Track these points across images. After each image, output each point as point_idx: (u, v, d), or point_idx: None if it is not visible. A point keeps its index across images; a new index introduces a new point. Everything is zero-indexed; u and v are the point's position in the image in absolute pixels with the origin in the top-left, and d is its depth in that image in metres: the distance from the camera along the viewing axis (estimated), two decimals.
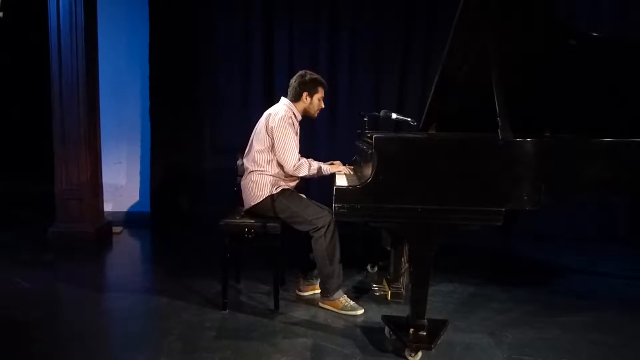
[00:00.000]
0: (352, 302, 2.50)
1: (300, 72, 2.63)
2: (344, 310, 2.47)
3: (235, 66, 4.05)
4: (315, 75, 2.62)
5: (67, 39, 3.41)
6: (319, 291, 2.62)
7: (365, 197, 1.94)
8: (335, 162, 2.73)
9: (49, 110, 3.52)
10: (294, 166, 2.48)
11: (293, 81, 2.62)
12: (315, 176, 2.59)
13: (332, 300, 2.48)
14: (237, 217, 2.54)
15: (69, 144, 3.50)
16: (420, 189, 1.94)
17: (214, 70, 4.06)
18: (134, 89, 4.20)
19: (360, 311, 2.48)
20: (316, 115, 2.70)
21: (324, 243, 2.42)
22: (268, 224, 2.47)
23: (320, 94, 2.62)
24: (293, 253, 2.72)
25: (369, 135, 2.42)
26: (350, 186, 2.00)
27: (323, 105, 2.67)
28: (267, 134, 2.52)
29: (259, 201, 2.52)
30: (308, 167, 2.51)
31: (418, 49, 3.92)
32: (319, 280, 2.67)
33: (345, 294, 2.51)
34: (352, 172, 2.72)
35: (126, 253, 3.58)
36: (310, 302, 2.59)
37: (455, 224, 1.96)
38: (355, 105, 3.91)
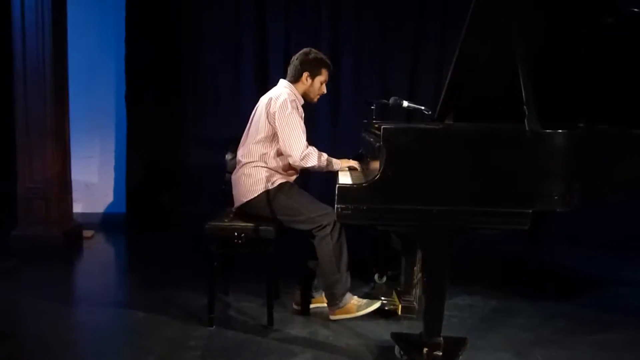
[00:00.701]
0: (364, 300, 2.51)
1: (304, 49, 2.63)
2: (360, 310, 2.48)
3: (225, 48, 4.03)
4: (321, 55, 2.62)
5: (32, 16, 3.37)
6: (322, 305, 2.63)
7: (372, 197, 1.92)
8: (351, 162, 2.65)
9: (10, 97, 3.47)
10: (302, 154, 2.45)
11: (295, 59, 2.62)
12: (323, 169, 2.55)
13: (344, 307, 2.47)
14: (226, 220, 2.53)
15: (33, 135, 3.46)
16: (436, 187, 1.92)
17: (200, 52, 4.04)
18: (108, 73, 4.17)
19: (378, 303, 2.52)
20: (316, 100, 2.69)
21: (330, 242, 2.41)
22: (261, 227, 2.46)
23: (323, 76, 2.61)
24: (290, 261, 2.71)
25: (376, 125, 2.42)
26: (355, 184, 1.99)
27: (325, 91, 2.67)
28: (268, 121, 2.50)
29: (252, 197, 2.51)
30: (318, 157, 2.48)
31: (432, 27, 3.89)
32: (320, 292, 2.65)
33: None
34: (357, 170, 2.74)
35: (98, 260, 3.57)
36: (310, 317, 2.57)
37: (476, 228, 1.95)
38: (361, 92, 3.91)
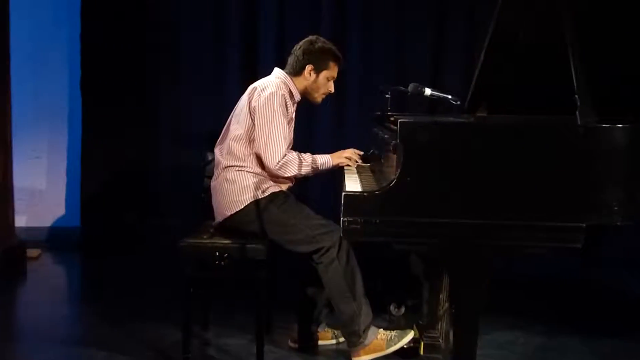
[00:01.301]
0: (393, 332, 2.52)
1: (310, 37, 2.64)
2: (392, 346, 2.48)
3: (203, 26, 4.02)
4: (330, 45, 2.63)
5: None
6: (329, 342, 2.63)
7: (387, 208, 1.92)
8: (345, 152, 2.67)
9: None
10: (278, 163, 2.48)
11: (297, 48, 2.64)
12: (311, 174, 2.59)
13: (370, 345, 2.45)
14: (205, 236, 2.54)
15: None
16: (467, 195, 1.92)
17: (174, 31, 4.03)
18: (59, 55, 4.17)
19: (411, 333, 2.55)
20: (320, 100, 2.70)
21: (338, 268, 2.41)
22: (248, 246, 2.45)
23: (331, 71, 2.61)
24: (284, 287, 2.70)
25: (392, 119, 2.41)
26: (365, 192, 1.99)
27: (332, 89, 2.67)
28: (250, 114, 2.53)
29: (237, 210, 2.52)
30: (298, 164, 2.51)
31: None
32: (325, 326, 2.65)
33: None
34: (367, 169, 2.71)
35: (46, 286, 3.55)
36: (312, 356, 2.57)
37: (517, 246, 1.94)
38: (372, 78, 3.91)
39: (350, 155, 2.67)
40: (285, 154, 2.52)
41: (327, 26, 3.90)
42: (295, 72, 2.62)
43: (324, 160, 2.62)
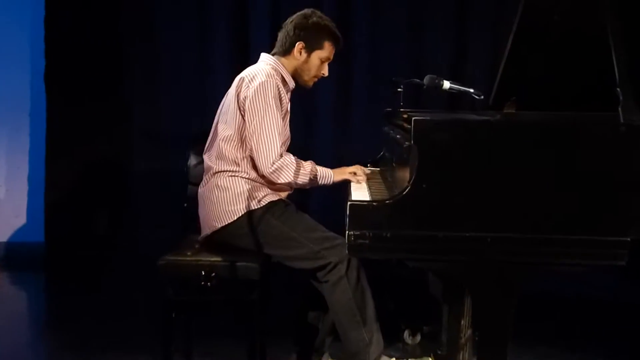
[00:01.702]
0: None
1: (304, 10, 2.63)
2: None
3: (188, 10, 4.01)
4: (326, 21, 2.62)
5: None
6: None
7: (399, 220, 1.92)
8: (350, 168, 2.67)
9: None
10: (272, 164, 2.47)
11: (288, 22, 2.63)
12: (307, 185, 2.58)
13: None
14: (189, 253, 2.54)
15: None
16: (492, 205, 1.92)
17: (154, 14, 4.02)
18: (21, 45, 4.16)
19: None
20: (311, 84, 2.70)
21: (347, 289, 2.40)
22: (240, 264, 2.45)
23: (325, 52, 2.61)
24: (281, 311, 2.69)
25: (405, 116, 2.41)
26: (374, 201, 2.00)
27: (326, 72, 2.67)
28: (239, 109, 2.53)
29: (228, 221, 2.52)
30: (295, 170, 2.50)
31: None
32: (328, 357, 2.65)
33: None
34: (376, 174, 2.71)
35: (3, 311, 3.54)
36: None
37: (549, 264, 1.94)
38: (383, 68, 3.92)
39: (355, 172, 2.65)
40: (281, 155, 2.50)
41: (331, 4, 3.89)
42: (285, 51, 2.61)
43: (325, 173, 2.60)
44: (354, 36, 4.01)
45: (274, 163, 2.48)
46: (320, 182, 2.61)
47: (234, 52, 4.04)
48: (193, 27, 4.10)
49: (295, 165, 2.53)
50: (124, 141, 4.16)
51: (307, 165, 2.57)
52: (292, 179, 2.51)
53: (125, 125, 4.16)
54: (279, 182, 2.54)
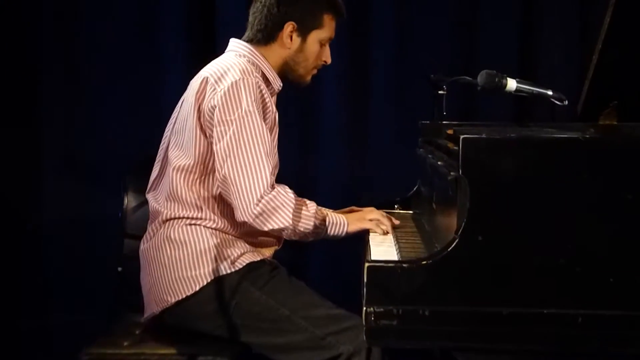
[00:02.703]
0: None
1: None
2: None
3: None
4: None
5: None
6: None
7: (443, 290, 1.86)
8: (371, 212, 2.63)
9: None
10: (258, 202, 2.33)
11: None
12: (311, 236, 2.47)
13: None
14: (126, 342, 2.49)
15: None
16: (583, 267, 1.85)
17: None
18: None
19: None
20: (309, 79, 2.63)
21: None
22: (202, 358, 2.43)
23: (326, 30, 2.56)
24: None
25: (450, 132, 2.34)
26: (405, 262, 1.92)
27: (328, 59, 2.62)
28: (200, 125, 2.45)
29: (187, 293, 2.45)
30: (293, 209, 2.36)
31: None
32: None
33: None
34: (408, 219, 2.68)
35: None
36: None
37: None
38: (416, 60, 3.91)
39: (379, 219, 2.57)
40: (272, 186, 2.37)
41: None
42: (266, 37, 2.53)
43: (336, 219, 2.48)
44: (374, 14, 3.98)
45: (260, 199, 2.33)
46: (330, 233, 2.49)
47: (190, 40, 4.04)
48: (132, 14, 4.11)
49: (292, 202, 2.35)
50: (34, 170, 4.13)
51: (311, 206, 2.42)
52: (290, 222, 2.36)
53: (34, 153, 4.14)
54: (270, 227, 2.37)
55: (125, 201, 2.74)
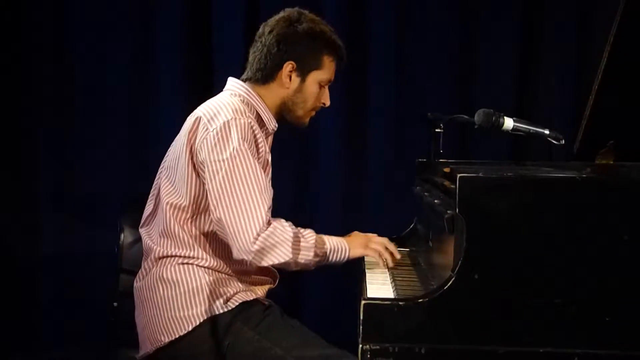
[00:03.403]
0: None
1: (287, 13, 2.54)
2: None
3: (114, 17, 4.06)
4: (321, 25, 2.52)
5: None
6: None
7: (439, 328, 1.87)
8: (374, 237, 2.59)
9: None
10: (255, 239, 2.31)
11: (265, 31, 2.53)
12: (312, 265, 2.43)
13: None
14: None
15: None
16: (581, 306, 1.87)
17: (66, 20, 4.11)
18: None
19: None
20: (307, 120, 2.61)
21: None
22: None
23: (326, 71, 2.53)
24: None
25: (446, 170, 2.39)
26: (401, 300, 1.93)
27: (327, 101, 2.59)
28: (193, 164, 2.44)
29: (181, 333, 2.42)
30: (292, 243, 2.33)
31: None
32: None
33: None
34: (405, 257, 2.67)
35: None
36: None
37: None
38: (413, 98, 3.92)
39: (380, 248, 2.52)
40: (268, 222, 2.33)
41: (332, 13, 3.82)
42: (265, 77, 2.50)
43: (336, 245, 2.42)
44: (370, 48, 3.96)
45: (257, 237, 2.29)
46: (330, 260, 2.44)
47: (188, 78, 4.03)
48: (127, 37, 4.10)
49: (291, 235, 2.33)
50: (28, 204, 4.12)
51: (309, 236, 2.37)
52: (290, 257, 2.33)
53: (25, 186, 4.13)
54: (269, 263, 2.35)
55: (122, 237, 2.71)
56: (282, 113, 2.56)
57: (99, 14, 4.08)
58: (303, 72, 2.52)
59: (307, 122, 2.63)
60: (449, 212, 2.02)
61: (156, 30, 4.10)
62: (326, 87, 2.56)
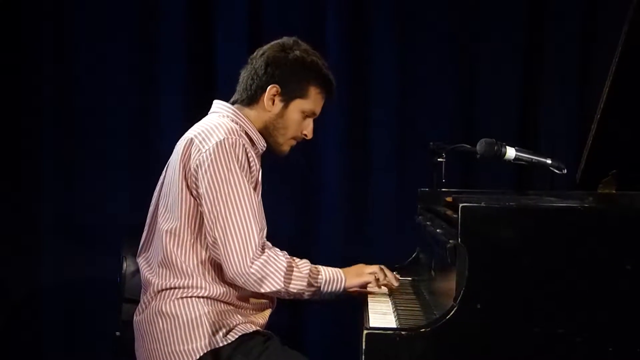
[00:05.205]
0: None
1: (283, 39, 2.56)
2: None
3: (123, 32, 4.06)
4: (313, 56, 2.53)
5: None
6: None
7: (440, 357, 1.90)
8: (370, 267, 2.59)
9: None
10: (250, 265, 2.32)
11: (257, 54, 2.55)
12: (306, 296, 2.44)
13: None
14: None
15: None
16: (585, 335, 1.89)
17: (68, 40, 4.09)
18: None
19: None
20: (286, 149, 2.60)
21: None
22: None
23: (310, 102, 2.54)
24: None
25: (449, 200, 2.41)
26: (403, 329, 1.94)
27: (310, 133, 2.59)
28: (187, 186, 2.44)
29: None
30: (285, 274, 2.35)
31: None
32: None
33: None
34: (407, 287, 2.68)
35: None
36: None
37: None
38: (414, 127, 3.93)
39: (376, 269, 2.53)
40: (263, 248, 2.34)
41: (332, 41, 3.82)
42: (250, 98, 2.52)
43: (332, 275, 2.43)
44: (371, 76, 3.94)
45: (252, 262, 2.31)
46: (325, 290, 2.43)
47: (190, 103, 3.99)
48: (128, 58, 4.10)
49: (284, 264, 2.34)
50: (29, 228, 4.10)
51: (304, 266, 2.39)
52: (282, 286, 2.33)
53: (26, 214, 4.10)
54: (262, 291, 2.37)
55: (124, 266, 2.70)
56: (265, 137, 2.57)
57: (99, 34, 4.14)
58: (287, 97, 2.53)
59: (287, 150, 2.63)
60: (451, 241, 2.03)
61: (159, 51, 4.12)
62: (310, 119, 2.57)
